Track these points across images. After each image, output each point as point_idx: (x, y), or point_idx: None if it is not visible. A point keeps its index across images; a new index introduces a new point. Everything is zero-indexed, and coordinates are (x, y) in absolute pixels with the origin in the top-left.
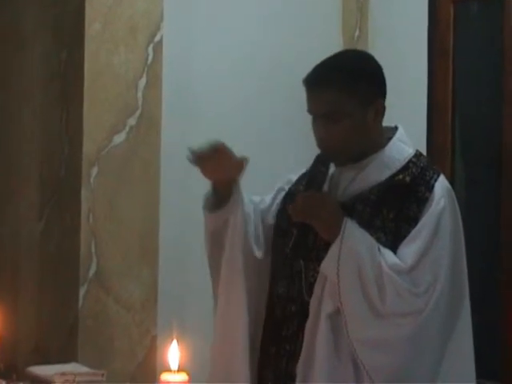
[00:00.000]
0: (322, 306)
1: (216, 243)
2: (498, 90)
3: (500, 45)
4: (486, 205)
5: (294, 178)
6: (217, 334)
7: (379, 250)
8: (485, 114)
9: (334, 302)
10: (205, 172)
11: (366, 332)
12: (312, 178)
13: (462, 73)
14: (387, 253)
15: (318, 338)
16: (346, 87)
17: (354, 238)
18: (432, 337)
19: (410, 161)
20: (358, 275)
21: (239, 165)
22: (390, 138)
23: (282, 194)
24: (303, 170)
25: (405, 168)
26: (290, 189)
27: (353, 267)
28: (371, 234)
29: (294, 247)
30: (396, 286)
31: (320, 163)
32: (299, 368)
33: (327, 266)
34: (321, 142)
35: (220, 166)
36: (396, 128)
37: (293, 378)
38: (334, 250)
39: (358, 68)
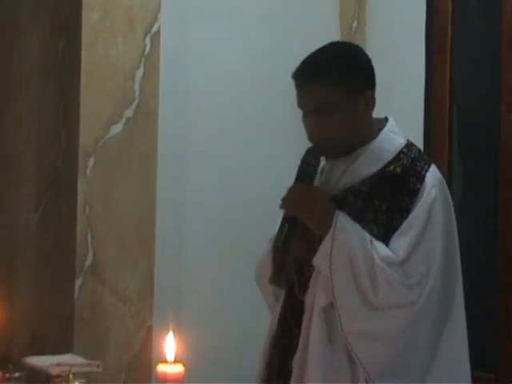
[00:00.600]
0: (315, 300)
1: None
2: (496, 82)
3: (498, 38)
4: (483, 197)
5: None
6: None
7: (371, 242)
8: (482, 106)
9: (327, 295)
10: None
11: (359, 324)
12: (303, 172)
13: (459, 65)
14: (379, 245)
15: (311, 332)
16: (335, 80)
17: (346, 231)
18: (426, 328)
19: (401, 151)
20: (350, 268)
21: None
22: (380, 129)
23: None
24: None
25: (396, 159)
26: None
27: (345, 260)
28: (363, 227)
29: (286, 242)
30: (388, 278)
31: (310, 156)
32: (295, 363)
33: (320, 259)
34: (312, 136)
35: None
36: (386, 119)
37: (289, 373)
38: (326, 243)
39: (346, 60)
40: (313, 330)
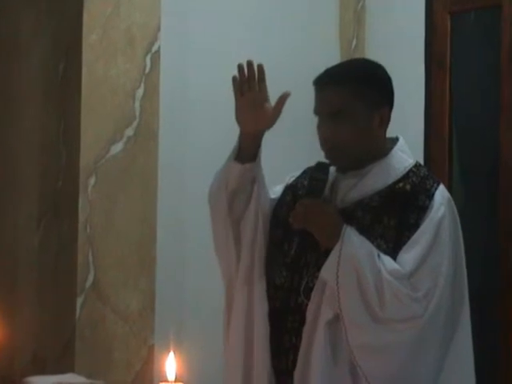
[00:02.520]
0: (320, 312)
1: (237, 199)
2: (495, 100)
3: (497, 56)
4: (484, 215)
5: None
6: (236, 324)
7: (379, 256)
8: (482, 124)
9: (333, 308)
10: (239, 103)
11: (365, 338)
12: (312, 185)
13: (458, 83)
14: (387, 259)
15: (314, 346)
16: (354, 89)
17: (353, 244)
18: (432, 342)
19: (410, 170)
20: (357, 281)
21: (273, 115)
22: (391, 148)
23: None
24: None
25: (405, 177)
26: (291, 183)
27: (352, 273)
28: (371, 241)
29: (295, 255)
30: (395, 292)
31: (320, 170)
32: (296, 375)
33: (327, 272)
34: (325, 143)
35: (255, 106)
36: (397, 139)
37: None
38: (333, 256)
39: (368, 73)
40: (316, 345)
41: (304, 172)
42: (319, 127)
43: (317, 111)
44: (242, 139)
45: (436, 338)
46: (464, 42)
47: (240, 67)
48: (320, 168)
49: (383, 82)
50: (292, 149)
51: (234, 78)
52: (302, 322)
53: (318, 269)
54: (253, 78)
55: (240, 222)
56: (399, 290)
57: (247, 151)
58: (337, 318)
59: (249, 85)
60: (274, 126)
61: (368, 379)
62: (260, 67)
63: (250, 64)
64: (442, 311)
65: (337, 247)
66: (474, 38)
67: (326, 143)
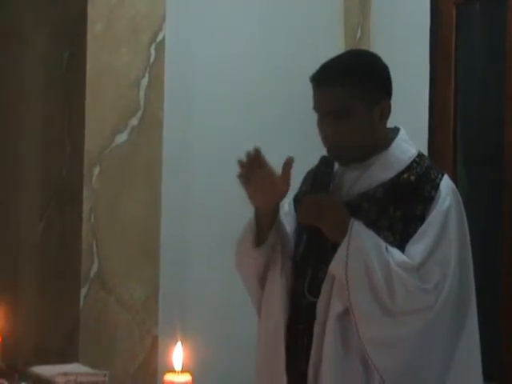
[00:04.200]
0: (330, 306)
1: (261, 279)
2: (500, 91)
3: (502, 46)
4: (488, 204)
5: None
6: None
7: (387, 248)
8: (486, 114)
9: (342, 302)
10: (249, 189)
11: (376, 331)
12: (317, 180)
13: (464, 74)
14: (395, 251)
15: (326, 340)
16: (354, 85)
17: (361, 238)
18: (442, 334)
19: (413, 161)
20: (366, 274)
21: (283, 183)
22: (393, 139)
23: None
24: (304, 177)
25: (409, 168)
26: (296, 194)
27: (361, 267)
28: (378, 233)
29: (305, 250)
30: (405, 284)
31: (324, 164)
32: (310, 370)
33: (336, 266)
34: (327, 140)
35: (265, 184)
36: (397, 129)
37: (304, 375)
38: (341, 250)
39: (366, 67)
40: (327, 338)
41: (304, 178)
42: (320, 125)
43: (317, 109)
44: (259, 218)
45: (446, 328)
46: (469, 32)
47: (240, 162)
48: (324, 162)
49: (381, 75)
50: (294, 142)
51: (238, 176)
52: (313, 321)
53: (326, 264)
54: (254, 161)
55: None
56: (409, 281)
57: (266, 225)
58: (347, 312)
59: (252, 170)
60: (278, 126)
61: (379, 372)
62: (257, 152)
63: (248, 154)
64: (451, 302)
65: (345, 241)
66: (479, 29)
67: (328, 141)
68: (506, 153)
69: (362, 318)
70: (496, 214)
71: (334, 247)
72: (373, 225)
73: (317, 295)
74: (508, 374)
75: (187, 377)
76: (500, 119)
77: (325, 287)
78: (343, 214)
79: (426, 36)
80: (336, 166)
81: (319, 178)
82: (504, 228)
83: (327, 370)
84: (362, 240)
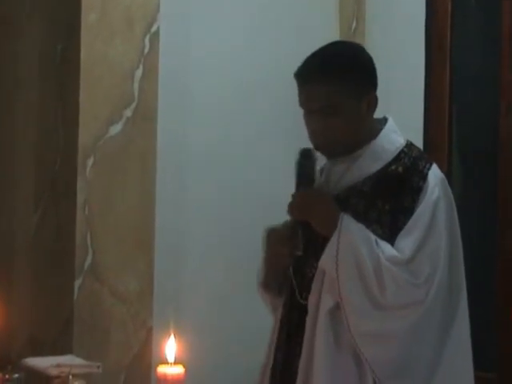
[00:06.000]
0: (320, 301)
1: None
2: (495, 83)
3: (497, 38)
4: (483, 198)
5: None
6: None
7: (376, 242)
8: (481, 108)
9: (333, 297)
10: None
11: (367, 325)
12: (300, 175)
13: (459, 65)
14: (385, 245)
15: (317, 335)
16: (339, 80)
17: (351, 232)
18: (433, 327)
19: (401, 151)
20: (356, 269)
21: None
22: (380, 129)
23: None
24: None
25: (397, 159)
26: None
27: (351, 261)
28: (367, 227)
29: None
30: (395, 278)
31: (303, 158)
32: (301, 365)
33: (326, 261)
34: (314, 136)
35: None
36: (385, 119)
37: (293, 376)
38: (331, 245)
39: (349, 61)
40: (318, 333)
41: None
42: (307, 121)
43: (302, 105)
44: (271, 272)
45: (436, 321)
46: (464, 24)
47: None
48: (305, 155)
49: (366, 67)
50: (292, 135)
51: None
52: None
53: (317, 259)
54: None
55: None
56: (399, 276)
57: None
58: (338, 307)
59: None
60: (274, 121)
61: (371, 366)
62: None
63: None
64: (441, 295)
65: (335, 235)
66: (474, 21)
67: (317, 137)
68: (501, 146)
69: (353, 313)
70: (491, 208)
71: (324, 242)
72: (361, 218)
73: (306, 293)
74: (507, 364)
75: (180, 369)
76: (495, 113)
77: (315, 283)
78: (333, 208)
79: (421, 27)
80: (318, 156)
81: (300, 172)
82: (499, 222)
83: (319, 364)
84: (351, 234)
